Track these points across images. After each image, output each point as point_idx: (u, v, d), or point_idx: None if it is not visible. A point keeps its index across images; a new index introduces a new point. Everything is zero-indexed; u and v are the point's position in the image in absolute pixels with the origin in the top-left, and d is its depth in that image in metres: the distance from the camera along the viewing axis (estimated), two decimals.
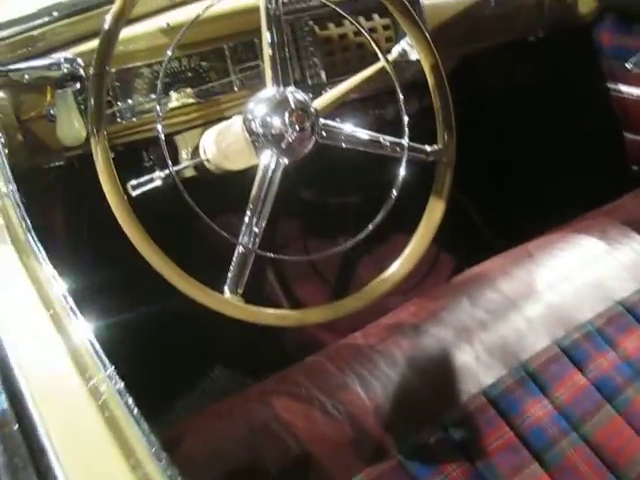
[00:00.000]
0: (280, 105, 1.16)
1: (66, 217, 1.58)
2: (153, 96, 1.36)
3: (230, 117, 1.31)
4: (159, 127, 1.10)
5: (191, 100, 1.41)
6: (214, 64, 1.43)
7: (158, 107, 1.14)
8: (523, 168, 2.31)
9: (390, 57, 1.36)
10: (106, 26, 1.06)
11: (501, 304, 1.28)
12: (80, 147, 1.28)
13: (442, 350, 1.16)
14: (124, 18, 1.08)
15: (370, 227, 1.23)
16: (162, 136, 1.09)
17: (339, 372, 1.12)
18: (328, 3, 1.34)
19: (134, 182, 1.11)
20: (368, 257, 2.10)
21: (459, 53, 1.84)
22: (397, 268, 1.26)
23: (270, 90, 1.21)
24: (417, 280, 2.01)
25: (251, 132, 1.17)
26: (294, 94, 1.19)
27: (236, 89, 1.46)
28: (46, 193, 1.49)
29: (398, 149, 1.28)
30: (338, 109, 1.35)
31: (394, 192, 1.25)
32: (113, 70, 1.31)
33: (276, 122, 1.15)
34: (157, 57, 1.35)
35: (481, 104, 2.16)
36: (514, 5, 1.87)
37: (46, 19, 1.30)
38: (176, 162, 1.45)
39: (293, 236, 2.10)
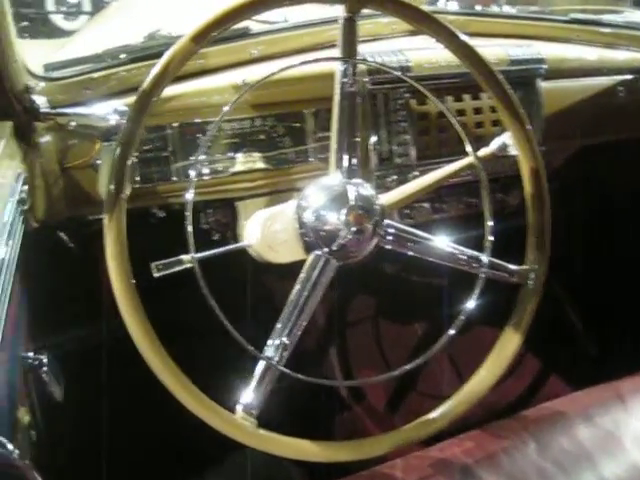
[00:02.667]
0: (338, 199, 0.98)
1: None
2: (218, 156, 1.21)
3: (300, 190, 1.13)
4: (189, 196, 0.94)
5: (259, 165, 1.24)
6: (290, 129, 1.26)
7: (192, 172, 0.97)
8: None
9: (487, 150, 1.14)
10: (144, 87, 0.91)
11: (574, 456, 1.06)
12: None
13: None
14: (165, 81, 0.92)
15: (428, 354, 1.02)
16: (189, 214, 0.92)
17: None
18: (405, 78, 1.17)
19: (160, 263, 0.93)
20: (421, 385, 1.84)
21: (577, 145, 1.61)
22: (449, 408, 1.05)
23: (332, 178, 1.03)
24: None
25: (302, 223, 0.99)
26: (358, 188, 1.00)
27: (311, 160, 1.28)
28: (92, 242, 1.35)
29: (475, 265, 1.06)
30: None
31: (465, 310, 1.03)
32: (176, 124, 1.17)
33: (331, 218, 0.97)
34: (226, 115, 1.20)
35: (597, 202, 1.91)
36: None
37: (111, 61, 1.17)
38: (234, 230, 1.30)
39: (337, 351, 1.83)
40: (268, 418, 0.94)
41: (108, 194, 0.89)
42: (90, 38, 1.83)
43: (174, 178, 1.19)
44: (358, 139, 1.03)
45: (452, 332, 1.02)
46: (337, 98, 1.02)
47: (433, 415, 1.04)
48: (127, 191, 0.91)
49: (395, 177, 1.32)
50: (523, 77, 1.43)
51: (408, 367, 1.02)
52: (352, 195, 0.97)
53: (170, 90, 1.17)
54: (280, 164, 1.26)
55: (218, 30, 0.91)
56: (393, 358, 1.82)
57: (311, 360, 1.55)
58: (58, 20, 4.25)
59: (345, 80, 1.01)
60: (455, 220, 1.55)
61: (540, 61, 1.44)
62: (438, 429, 1.03)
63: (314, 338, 1.65)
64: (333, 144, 1.02)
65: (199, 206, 1.32)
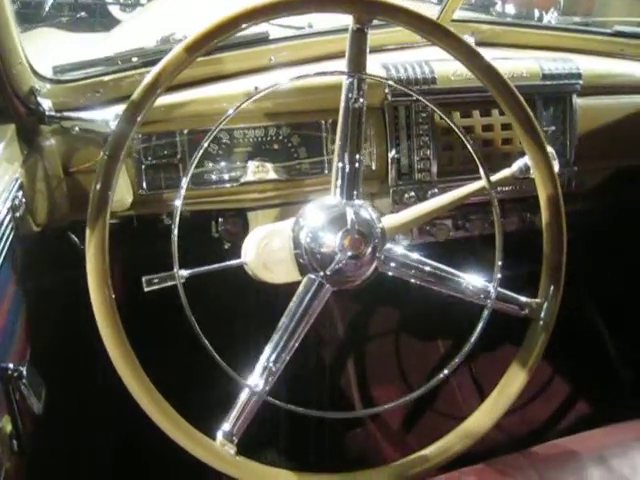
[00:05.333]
0: (336, 221, 0.93)
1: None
2: (229, 165, 1.18)
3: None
4: (177, 203, 0.90)
5: (271, 176, 1.20)
6: (306, 140, 1.21)
7: (184, 180, 0.91)
8: None
9: (502, 174, 1.07)
10: (133, 97, 0.87)
11: None
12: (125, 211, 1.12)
13: None
14: (157, 92, 0.88)
15: (421, 391, 0.97)
16: (175, 229, 0.88)
17: None
18: (408, 90, 1.11)
19: (151, 277, 0.89)
20: (418, 419, 1.74)
21: (610, 166, 1.52)
22: (445, 445, 0.99)
23: (332, 199, 0.97)
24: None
25: (297, 243, 0.95)
26: (358, 210, 0.95)
27: (327, 172, 1.23)
28: None
29: (482, 296, 1.00)
30: None
31: (470, 342, 0.97)
32: (185, 131, 1.14)
33: (328, 240, 0.92)
34: (237, 123, 1.17)
35: (627, 226, 1.81)
36: None
37: (122, 65, 1.15)
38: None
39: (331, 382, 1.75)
40: (254, 446, 0.90)
41: (90, 207, 0.86)
42: (122, 37, 1.83)
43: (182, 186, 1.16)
44: (362, 157, 0.97)
45: (448, 369, 0.97)
46: (341, 113, 0.96)
47: (427, 452, 0.98)
48: (111, 205, 0.87)
49: (413, 194, 1.26)
50: (556, 92, 1.36)
51: (398, 402, 0.97)
52: (350, 218, 0.92)
53: (181, 96, 1.15)
54: (294, 175, 1.22)
55: (214, 41, 0.87)
56: (392, 386, 1.76)
57: (302, 386, 1.50)
58: (115, 11, 4.28)
59: (350, 95, 0.95)
60: (479, 239, 1.48)
61: (576, 76, 1.36)
62: (432, 467, 0.98)
63: (307, 362, 1.59)
64: (335, 162, 0.97)
65: (211, 214, 1.29)
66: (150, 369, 0.88)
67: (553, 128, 1.38)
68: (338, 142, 0.96)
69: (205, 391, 1.03)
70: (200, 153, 0.92)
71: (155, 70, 0.86)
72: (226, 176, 1.18)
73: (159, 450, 0.92)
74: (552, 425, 1.79)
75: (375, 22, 0.95)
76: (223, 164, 1.18)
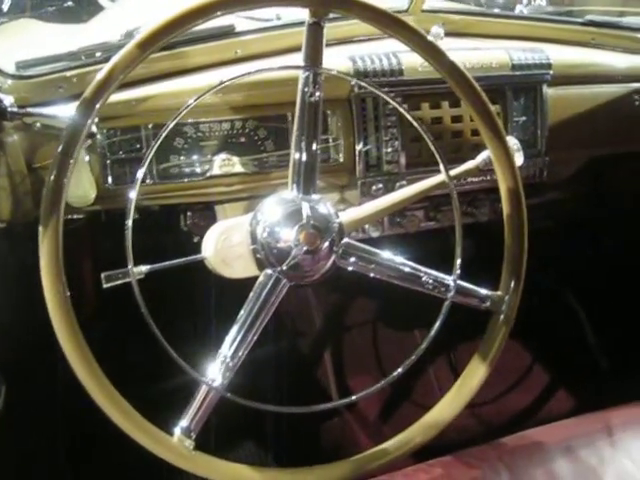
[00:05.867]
0: (293, 215, 0.94)
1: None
2: (195, 159, 1.18)
3: None
4: (132, 195, 0.90)
5: (237, 169, 1.20)
6: (273, 132, 1.21)
7: (140, 171, 0.91)
8: None
9: (463, 168, 1.07)
10: (85, 95, 0.87)
11: None
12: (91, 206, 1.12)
13: None
14: (109, 89, 0.87)
15: (383, 382, 0.99)
16: (130, 222, 0.88)
17: None
18: (362, 83, 1.11)
19: (110, 274, 0.89)
20: (395, 409, 1.75)
21: (583, 156, 1.52)
22: (405, 438, 1.01)
23: (290, 193, 0.98)
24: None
25: (254, 238, 0.95)
26: (314, 205, 0.95)
27: None
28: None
29: (443, 289, 1.00)
30: None
31: (430, 335, 0.98)
32: (150, 126, 1.14)
33: (284, 235, 0.92)
34: (203, 116, 1.16)
35: (609, 215, 1.82)
36: None
37: (86, 60, 1.14)
38: None
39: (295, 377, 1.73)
40: (215, 440, 0.91)
41: (43, 205, 0.86)
42: (96, 29, 1.82)
43: (148, 180, 1.16)
44: (318, 152, 0.97)
45: (406, 366, 0.98)
46: (298, 107, 0.96)
47: (388, 445, 0.99)
48: (64, 201, 0.87)
49: (381, 186, 1.26)
50: (526, 82, 1.36)
51: (354, 398, 0.98)
52: (305, 212, 0.92)
53: (145, 90, 1.14)
54: (261, 168, 1.21)
55: (167, 37, 0.87)
56: (369, 376, 1.76)
57: (262, 381, 1.50)
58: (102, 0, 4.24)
59: (306, 89, 0.95)
60: (450, 230, 1.49)
61: (546, 66, 1.36)
62: (393, 460, 0.99)
63: (266, 356, 1.59)
64: (291, 157, 0.97)
65: (179, 208, 1.29)
66: (108, 364, 0.88)
67: (524, 118, 1.38)
68: (294, 137, 0.96)
69: (164, 387, 1.03)
70: (157, 144, 0.92)
71: (107, 67, 0.85)
72: (193, 170, 1.18)
73: (118, 448, 0.92)
74: (530, 415, 1.80)
75: None
76: (189, 158, 1.18)
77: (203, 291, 1.20)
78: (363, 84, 1.09)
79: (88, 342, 0.87)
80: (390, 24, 0.94)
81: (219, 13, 0.88)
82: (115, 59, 0.85)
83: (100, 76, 0.85)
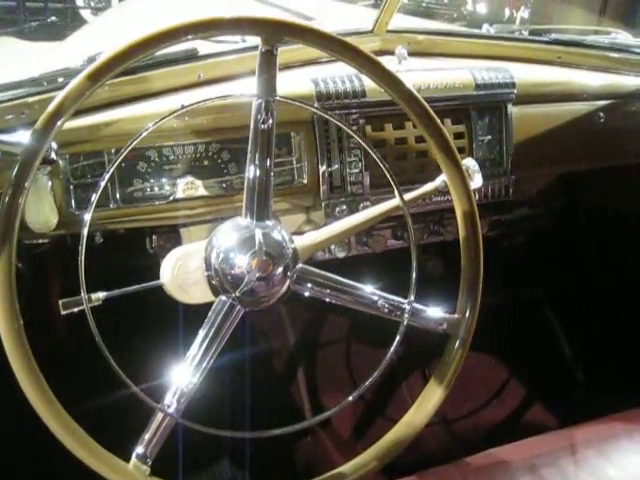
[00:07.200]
0: (246, 242, 0.94)
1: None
2: (159, 182, 1.18)
3: None
4: (86, 217, 0.91)
5: (200, 193, 1.21)
6: (236, 155, 1.22)
7: (94, 196, 0.92)
8: (621, 305, 1.94)
9: (418, 192, 1.08)
10: (36, 127, 0.87)
11: None
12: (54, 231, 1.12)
13: None
14: (60, 119, 0.88)
15: (340, 406, 0.99)
16: (82, 258, 0.88)
17: None
18: (313, 109, 1.13)
19: (67, 301, 0.90)
20: (369, 425, 1.76)
21: (551, 173, 1.53)
22: (360, 462, 1.01)
23: (244, 220, 0.98)
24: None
25: (209, 264, 0.95)
26: (268, 231, 0.96)
27: None
28: (29, 265, 1.33)
29: (399, 313, 1.01)
30: None
31: (386, 358, 0.99)
32: (113, 150, 1.14)
33: (238, 261, 0.93)
34: (166, 140, 1.17)
35: (577, 232, 1.83)
36: (628, 124, 1.53)
37: (47, 86, 1.15)
38: None
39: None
40: (171, 466, 0.91)
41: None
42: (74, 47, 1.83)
43: (111, 205, 1.16)
44: (272, 177, 0.98)
45: (363, 388, 0.98)
46: (251, 135, 0.97)
47: (342, 470, 0.99)
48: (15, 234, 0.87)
49: (345, 207, 1.27)
50: (491, 102, 1.37)
51: (311, 422, 0.98)
52: (258, 239, 0.93)
53: (107, 115, 1.15)
54: (224, 191, 1.22)
55: (118, 67, 0.87)
56: (342, 393, 1.76)
57: (219, 406, 1.50)
58: (87, 15, 4.27)
59: (259, 117, 0.96)
60: (421, 249, 1.50)
61: (510, 85, 1.38)
62: None
63: (222, 381, 1.59)
64: (245, 184, 0.98)
65: (144, 231, 1.29)
66: (63, 390, 0.88)
67: (489, 137, 1.39)
68: (248, 163, 0.97)
69: (121, 412, 1.03)
70: (113, 168, 0.93)
71: (57, 99, 0.86)
72: (156, 194, 1.18)
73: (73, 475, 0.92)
74: (506, 429, 1.80)
75: None
76: (153, 182, 1.18)
77: (166, 313, 1.20)
78: (312, 109, 1.09)
79: (55, 364, 0.88)
80: (343, 50, 0.95)
81: (167, 44, 0.89)
82: (66, 90, 0.86)
83: (51, 107, 0.86)
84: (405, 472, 1.07)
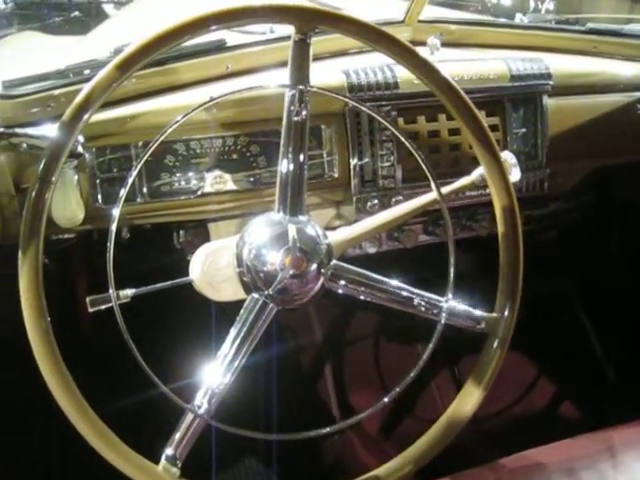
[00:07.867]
0: (279, 238, 0.91)
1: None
2: (187, 176, 1.16)
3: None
4: (115, 212, 0.89)
5: (229, 187, 1.18)
6: (265, 149, 1.19)
7: (123, 191, 0.89)
8: None
9: (456, 185, 1.04)
10: (63, 118, 0.84)
11: None
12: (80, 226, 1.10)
13: None
14: (89, 111, 0.85)
15: (374, 407, 0.96)
16: (111, 246, 0.86)
17: None
18: (344, 99, 1.08)
19: (95, 298, 0.87)
20: (398, 425, 1.72)
21: (585, 167, 1.48)
22: (394, 467, 0.97)
23: (276, 215, 0.95)
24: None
25: (240, 260, 0.92)
26: (301, 227, 0.92)
27: None
28: (58, 261, 1.31)
29: (435, 311, 0.98)
30: None
31: (423, 359, 0.95)
32: (140, 144, 1.12)
33: (271, 258, 0.90)
34: (194, 133, 1.14)
35: (611, 227, 1.78)
36: None
37: (73, 78, 1.13)
38: None
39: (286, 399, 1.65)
40: (202, 466, 0.88)
41: (22, 233, 0.84)
42: (91, 44, 1.81)
43: (139, 199, 1.14)
44: (306, 172, 0.95)
45: (403, 384, 0.95)
46: (284, 126, 0.94)
47: (375, 474, 0.96)
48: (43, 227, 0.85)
49: (377, 202, 1.23)
50: (526, 93, 1.33)
51: (358, 417, 0.95)
52: (292, 235, 0.89)
53: (135, 108, 1.13)
54: (253, 185, 1.19)
55: (146, 57, 0.85)
56: (371, 393, 1.73)
57: (247, 405, 1.47)
58: (110, 9, 4.26)
59: (292, 108, 0.93)
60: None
61: (546, 76, 1.33)
62: None
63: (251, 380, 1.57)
64: (278, 178, 0.95)
65: (172, 226, 1.27)
66: (90, 390, 0.86)
67: (524, 130, 1.35)
68: (280, 157, 0.94)
69: (150, 413, 1.01)
70: (142, 162, 0.91)
71: (85, 90, 0.83)
72: (184, 188, 1.16)
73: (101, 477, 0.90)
74: (536, 429, 1.76)
75: None
76: (181, 176, 1.16)
77: (196, 310, 1.17)
78: (347, 100, 1.06)
79: (83, 362, 0.86)
80: (378, 39, 0.92)
81: (197, 34, 0.87)
82: (94, 81, 0.83)
83: (78, 99, 0.83)
84: (438, 474, 1.04)
